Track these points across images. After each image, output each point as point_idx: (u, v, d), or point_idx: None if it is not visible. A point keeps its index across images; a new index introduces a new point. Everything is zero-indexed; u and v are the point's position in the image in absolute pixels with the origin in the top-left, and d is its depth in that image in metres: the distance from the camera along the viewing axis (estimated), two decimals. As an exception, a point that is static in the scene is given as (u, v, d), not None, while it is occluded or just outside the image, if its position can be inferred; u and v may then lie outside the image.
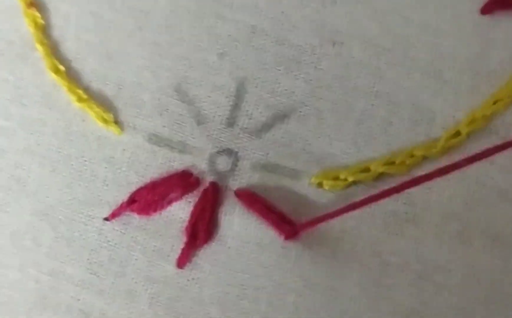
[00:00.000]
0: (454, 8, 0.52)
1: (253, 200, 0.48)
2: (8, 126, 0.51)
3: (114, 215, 0.49)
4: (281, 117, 0.50)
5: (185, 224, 0.48)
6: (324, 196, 0.49)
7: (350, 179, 0.48)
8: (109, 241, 0.49)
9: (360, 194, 0.48)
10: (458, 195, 0.49)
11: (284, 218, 0.48)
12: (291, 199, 0.49)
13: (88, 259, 0.49)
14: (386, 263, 0.48)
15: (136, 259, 0.48)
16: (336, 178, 0.49)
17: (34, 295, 0.49)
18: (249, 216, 0.48)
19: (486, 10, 0.52)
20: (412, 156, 0.49)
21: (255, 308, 0.48)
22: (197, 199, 0.48)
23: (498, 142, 0.48)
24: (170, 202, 0.49)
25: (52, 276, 0.49)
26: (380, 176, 0.49)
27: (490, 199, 0.49)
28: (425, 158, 0.49)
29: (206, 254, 0.48)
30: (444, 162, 0.48)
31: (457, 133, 0.49)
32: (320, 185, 0.49)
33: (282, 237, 0.48)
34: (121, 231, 0.49)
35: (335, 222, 0.48)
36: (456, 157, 0.48)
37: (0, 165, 0.51)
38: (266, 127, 0.50)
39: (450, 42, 0.51)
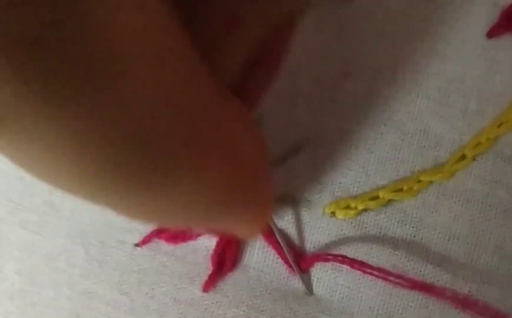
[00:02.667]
0: (461, 33, 0.53)
1: (270, 235, 0.51)
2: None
3: (144, 241, 0.51)
4: (296, 149, 0.52)
5: (211, 252, 0.51)
6: (337, 224, 0.51)
7: (360, 207, 0.51)
8: (139, 265, 0.52)
9: (370, 220, 0.51)
10: (464, 215, 0.51)
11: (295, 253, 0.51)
12: (306, 229, 0.52)
13: (119, 281, 0.52)
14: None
15: (164, 282, 0.51)
16: (347, 207, 0.51)
17: (68, 312, 0.52)
18: (269, 249, 0.51)
19: (492, 33, 0.52)
20: (419, 181, 0.51)
21: (274, 332, 0.51)
22: (221, 231, 0.51)
23: (503, 163, 0.50)
24: (198, 235, 0.51)
25: (85, 294, 0.52)
26: (389, 202, 0.51)
27: (496, 219, 0.50)
28: (431, 182, 0.51)
29: (229, 280, 0.51)
30: (450, 185, 0.51)
31: (463, 157, 0.51)
32: (333, 214, 0.51)
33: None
34: (150, 256, 0.52)
35: (348, 248, 0.51)
36: (462, 179, 0.51)
37: (35, 190, 0.53)
38: (282, 159, 0.52)
39: (456, 68, 0.52)
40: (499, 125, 0.51)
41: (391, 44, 0.53)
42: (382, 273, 0.49)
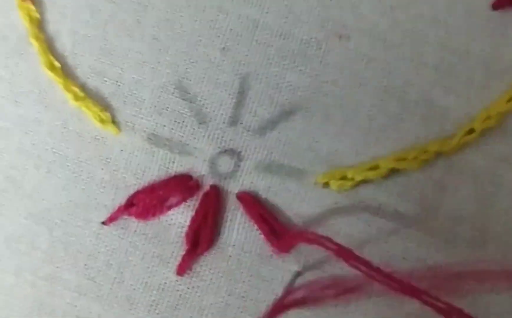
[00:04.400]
0: (465, 3, 0.50)
1: (253, 206, 0.47)
2: (2, 125, 0.49)
3: (111, 219, 0.47)
4: (286, 114, 0.49)
5: (185, 229, 0.47)
6: (331, 196, 0.47)
7: (358, 178, 0.47)
8: (106, 246, 0.48)
9: (368, 193, 0.47)
10: (472, 195, 0.47)
11: (277, 230, 0.47)
12: (295, 201, 0.47)
13: (85, 265, 0.47)
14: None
15: (134, 265, 0.47)
16: (343, 178, 0.47)
17: (31, 300, 0.48)
18: (250, 223, 0.47)
19: (497, 5, 0.50)
20: (425, 151, 0.47)
21: (256, 321, 0.46)
22: (197, 203, 0.47)
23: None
24: (169, 207, 0.47)
25: (49, 281, 0.48)
26: (390, 174, 0.47)
27: (505, 200, 0.47)
28: (438, 154, 0.47)
29: (206, 262, 0.47)
30: (456, 159, 0.48)
31: (471, 130, 0.48)
32: (326, 185, 0.47)
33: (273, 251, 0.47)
34: (119, 236, 0.48)
35: (341, 225, 0.47)
36: (470, 154, 0.48)
37: (-7, 165, 0.49)
38: (271, 124, 0.48)
39: (461, 38, 0.50)
40: (509, 100, 0.48)
41: (388, 8, 0.50)
42: (369, 270, 0.43)
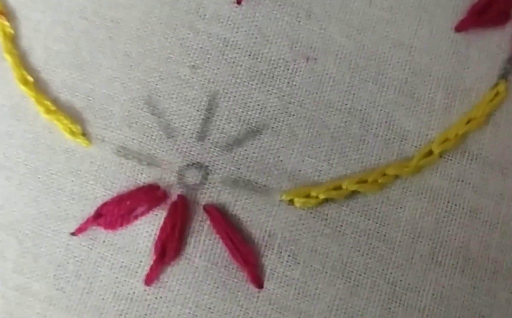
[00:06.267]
0: (429, 25, 0.51)
1: (219, 220, 0.48)
2: (-26, 138, 0.50)
3: (80, 229, 0.48)
4: (253, 132, 0.50)
5: (153, 239, 0.47)
6: (295, 213, 0.48)
7: (322, 196, 0.48)
8: (75, 256, 0.48)
9: (332, 212, 0.48)
10: (429, 214, 0.48)
11: (240, 247, 0.47)
12: (261, 216, 0.48)
13: (54, 275, 0.48)
14: (356, 284, 0.47)
15: (103, 275, 0.48)
16: (308, 196, 0.48)
17: (0, 311, 0.48)
18: (216, 236, 0.48)
19: (460, 27, 0.51)
20: (384, 174, 0.48)
21: (223, 334, 0.47)
22: (165, 213, 0.48)
23: (471, 162, 0.49)
24: (136, 217, 0.48)
25: (18, 291, 0.48)
26: (352, 194, 0.48)
27: (462, 219, 0.48)
28: (397, 177, 0.49)
29: (174, 273, 0.47)
30: (415, 180, 0.49)
31: (430, 152, 0.49)
32: (291, 202, 0.48)
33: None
34: (88, 247, 0.48)
35: (305, 240, 0.48)
36: (428, 175, 0.49)
37: (-36, 176, 0.49)
38: (238, 141, 0.49)
39: (424, 60, 0.51)
40: (468, 122, 0.49)
41: (355, 31, 0.51)
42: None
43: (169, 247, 0.47)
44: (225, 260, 0.47)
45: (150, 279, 0.47)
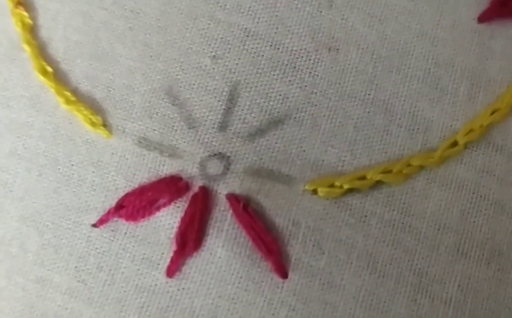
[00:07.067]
0: (452, 16, 0.51)
1: (241, 210, 0.47)
2: (-6, 128, 0.49)
3: (101, 221, 0.47)
4: (275, 122, 0.49)
5: (175, 230, 0.47)
6: (318, 203, 0.48)
7: (346, 186, 0.47)
8: (97, 248, 0.47)
9: (356, 202, 0.48)
10: (454, 205, 0.48)
11: (263, 237, 0.47)
12: (284, 206, 0.48)
13: (76, 267, 0.47)
14: (382, 275, 0.47)
15: (125, 267, 0.47)
16: (331, 185, 0.48)
17: (21, 303, 0.47)
18: (239, 226, 0.47)
19: (483, 18, 0.51)
20: (409, 165, 0.48)
21: (246, 324, 0.46)
22: (186, 204, 0.47)
23: (495, 153, 0.48)
24: (158, 208, 0.47)
25: (39, 283, 0.47)
26: (376, 185, 0.48)
27: (488, 211, 0.48)
28: (422, 167, 0.48)
29: (196, 264, 0.47)
30: (440, 171, 0.48)
31: (454, 143, 0.48)
32: (315, 192, 0.48)
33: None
34: (109, 238, 0.47)
35: (330, 230, 0.47)
36: (453, 166, 0.48)
37: (-16, 168, 0.49)
38: (260, 132, 0.49)
39: (447, 50, 0.50)
40: (493, 112, 0.49)
41: (377, 21, 0.51)
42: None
43: (189, 238, 0.47)
44: (248, 250, 0.47)
45: (171, 270, 0.47)
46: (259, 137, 0.49)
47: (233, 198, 0.47)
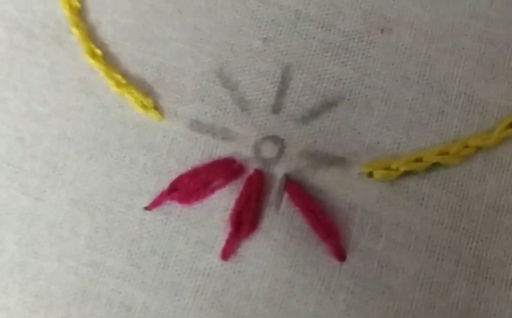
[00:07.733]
0: None
1: (298, 193, 0.47)
2: (43, 112, 0.49)
3: (154, 204, 0.47)
4: (328, 104, 0.48)
5: (229, 213, 0.46)
6: (374, 186, 0.47)
7: (402, 169, 0.47)
8: (150, 231, 0.47)
9: (412, 184, 0.47)
10: None
11: (321, 219, 0.46)
12: (340, 189, 0.47)
13: (129, 250, 0.47)
14: (441, 258, 0.46)
15: (179, 250, 0.47)
16: (388, 168, 0.47)
17: (74, 287, 0.47)
18: (295, 208, 0.47)
19: None
20: (466, 146, 0.47)
21: (304, 308, 0.46)
22: (241, 187, 0.47)
23: None
24: (212, 190, 0.47)
25: (92, 267, 0.47)
26: (433, 167, 0.47)
27: None
28: (479, 149, 0.47)
29: (251, 247, 0.46)
30: (497, 152, 0.47)
31: (511, 124, 0.47)
32: (370, 175, 0.47)
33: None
34: (162, 221, 0.47)
35: (387, 213, 0.46)
36: (511, 148, 0.47)
37: (35, 152, 0.49)
38: (313, 114, 0.48)
39: (501, 30, 0.50)
40: None
41: (429, 1, 0.50)
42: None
43: (244, 220, 0.46)
44: (305, 233, 0.46)
45: (226, 253, 0.46)
46: (312, 119, 0.48)
47: (289, 181, 0.47)
